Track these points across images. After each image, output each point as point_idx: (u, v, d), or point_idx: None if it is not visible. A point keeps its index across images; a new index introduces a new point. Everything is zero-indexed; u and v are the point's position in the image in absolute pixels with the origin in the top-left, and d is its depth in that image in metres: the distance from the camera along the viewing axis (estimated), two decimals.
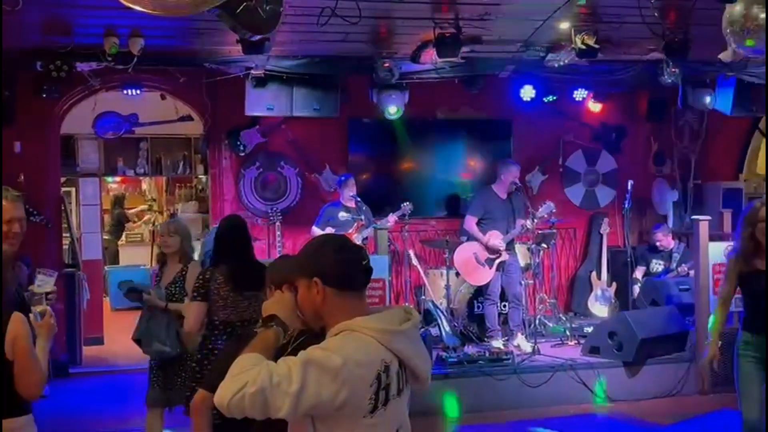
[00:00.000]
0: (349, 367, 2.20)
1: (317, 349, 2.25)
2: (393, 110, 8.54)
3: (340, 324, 2.32)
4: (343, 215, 8.48)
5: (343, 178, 8.81)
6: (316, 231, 8.48)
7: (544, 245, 9.13)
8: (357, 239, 8.26)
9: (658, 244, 9.40)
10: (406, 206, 8.60)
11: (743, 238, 4.88)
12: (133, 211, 14.77)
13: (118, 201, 14.46)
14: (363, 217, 8.54)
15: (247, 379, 2.16)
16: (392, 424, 2.35)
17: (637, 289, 9.22)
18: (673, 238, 9.47)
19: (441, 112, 9.92)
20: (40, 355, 3.27)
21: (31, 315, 3.32)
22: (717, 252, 7.45)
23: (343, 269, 2.38)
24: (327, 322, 2.38)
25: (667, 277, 9.18)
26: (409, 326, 2.39)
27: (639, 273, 9.41)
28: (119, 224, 14.16)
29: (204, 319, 4.88)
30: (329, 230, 8.28)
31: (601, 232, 9.86)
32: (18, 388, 3.21)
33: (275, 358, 2.30)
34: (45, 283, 3.41)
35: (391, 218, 8.58)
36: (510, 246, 8.39)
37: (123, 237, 14.26)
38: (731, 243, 5.25)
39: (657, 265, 9.38)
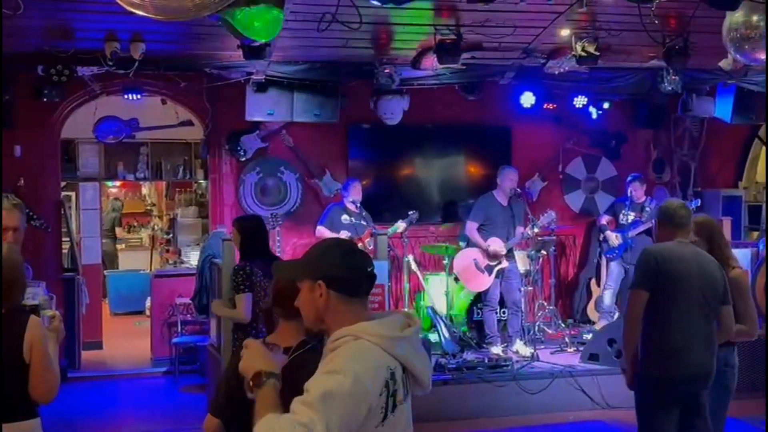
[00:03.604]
0: (361, 383, 2.19)
1: (326, 376, 2.20)
2: (390, 116, 8.57)
3: (342, 329, 2.31)
4: (345, 218, 8.47)
5: (350, 182, 8.77)
6: (322, 230, 8.45)
7: (544, 252, 9.13)
8: (369, 244, 8.29)
9: (632, 193, 9.12)
10: (413, 215, 8.62)
11: None
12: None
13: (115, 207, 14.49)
14: (365, 222, 8.53)
15: None
16: (400, 429, 2.35)
17: (601, 237, 9.33)
18: (645, 193, 9.35)
19: (441, 118, 9.92)
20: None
21: (39, 319, 3.33)
22: None
23: (349, 275, 2.37)
24: (329, 327, 2.36)
25: (639, 228, 8.98)
26: (411, 332, 2.39)
27: (604, 220, 9.32)
28: (114, 228, 14.19)
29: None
30: (344, 233, 8.28)
31: (600, 238, 9.85)
32: (32, 392, 3.21)
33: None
34: (34, 294, 3.44)
35: (401, 224, 8.63)
36: (509, 253, 8.39)
37: (122, 243, 14.28)
38: None
39: (627, 216, 9.15)
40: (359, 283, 2.39)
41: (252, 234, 5.56)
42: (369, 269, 2.41)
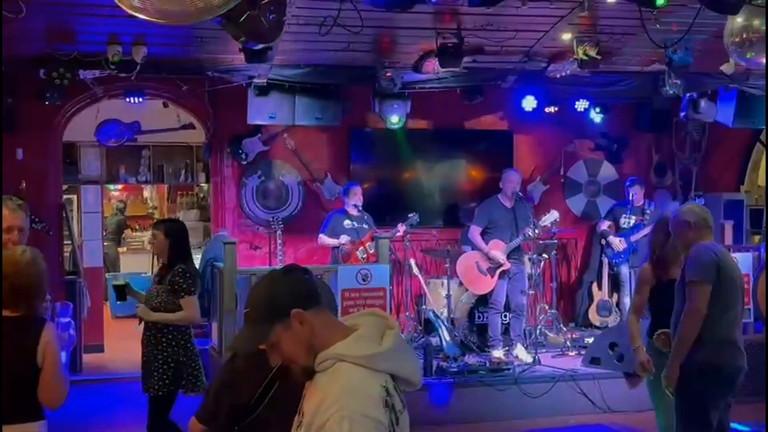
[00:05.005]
0: (371, 417, 2.12)
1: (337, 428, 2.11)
2: (395, 119, 8.58)
3: (325, 353, 2.20)
4: (347, 223, 8.47)
5: (349, 186, 8.78)
6: (323, 238, 8.47)
7: (545, 255, 9.12)
8: (370, 248, 8.28)
9: (633, 197, 9.18)
10: (413, 217, 8.63)
11: (662, 244, 5.07)
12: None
13: (120, 209, 14.49)
14: (367, 225, 8.52)
15: None
16: None
17: (603, 242, 9.40)
18: (645, 196, 9.36)
19: (442, 121, 9.93)
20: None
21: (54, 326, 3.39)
22: None
23: (307, 287, 2.27)
24: (318, 349, 2.22)
25: (643, 231, 8.98)
26: (391, 338, 2.28)
27: (605, 225, 9.39)
28: (119, 230, 14.19)
29: None
30: (344, 238, 8.28)
31: (602, 242, 9.85)
32: (41, 398, 3.25)
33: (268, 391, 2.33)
34: (65, 314, 3.60)
35: (401, 228, 8.63)
36: (517, 255, 8.37)
37: (124, 246, 14.28)
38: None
39: (628, 220, 9.18)
40: (316, 290, 2.29)
41: (181, 236, 5.41)
42: (306, 276, 2.31)
